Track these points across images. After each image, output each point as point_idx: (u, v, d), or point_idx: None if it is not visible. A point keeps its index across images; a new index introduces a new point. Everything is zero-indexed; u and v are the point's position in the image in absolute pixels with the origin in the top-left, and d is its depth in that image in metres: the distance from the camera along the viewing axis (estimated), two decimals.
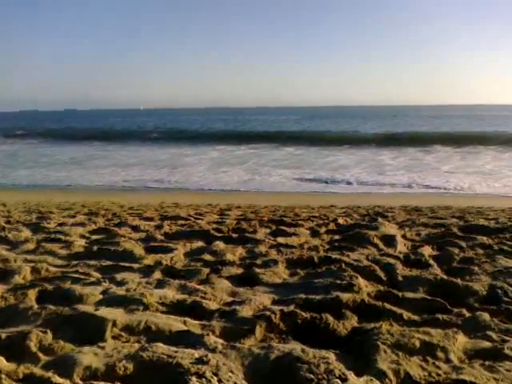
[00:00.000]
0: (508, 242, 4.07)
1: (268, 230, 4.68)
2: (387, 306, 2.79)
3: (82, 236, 4.67)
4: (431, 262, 3.55)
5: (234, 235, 4.48)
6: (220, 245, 4.12)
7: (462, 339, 2.41)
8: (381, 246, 4.00)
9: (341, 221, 5.27)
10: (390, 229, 4.61)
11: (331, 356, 2.24)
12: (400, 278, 3.22)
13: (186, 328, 2.60)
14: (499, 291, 3.00)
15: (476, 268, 3.39)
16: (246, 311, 2.77)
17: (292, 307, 2.79)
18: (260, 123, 53.26)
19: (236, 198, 10.37)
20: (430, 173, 16.34)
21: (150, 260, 3.75)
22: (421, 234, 4.51)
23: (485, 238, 4.16)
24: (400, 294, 2.96)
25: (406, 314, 2.71)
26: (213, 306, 2.88)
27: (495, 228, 4.67)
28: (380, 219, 5.42)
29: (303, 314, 2.68)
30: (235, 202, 9.07)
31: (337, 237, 4.39)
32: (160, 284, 3.23)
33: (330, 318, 2.62)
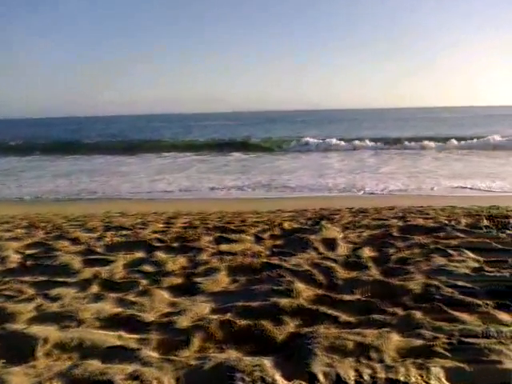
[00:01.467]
0: (443, 241, 4.22)
1: (211, 238, 4.65)
2: (324, 309, 2.83)
3: (17, 251, 4.50)
4: (369, 263, 3.63)
5: (176, 244, 4.43)
6: (160, 255, 4.07)
7: (395, 338, 2.47)
8: (321, 249, 4.06)
9: (286, 225, 5.31)
10: (332, 232, 4.69)
11: (266, 363, 2.25)
12: (338, 281, 3.27)
13: (120, 342, 2.55)
14: (433, 289, 3.09)
15: (411, 267, 3.49)
16: (182, 322, 2.74)
17: (230, 315, 2.79)
18: (201, 129, 52.72)
19: (184, 205, 10.25)
20: (375, 174, 16.75)
21: (87, 273, 3.66)
22: (361, 235, 4.61)
23: (421, 238, 4.30)
24: (337, 296, 3.02)
25: (343, 317, 2.76)
26: (150, 318, 2.84)
27: (432, 227, 4.83)
28: (324, 222, 5.49)
29: (240, 321, 2.68)
30: (183, 210, 8.97)
31: (279, 242, 4.43)
32: (96, 298, 3.16)
33: (267, 324, 2.63)
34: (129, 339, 2.60)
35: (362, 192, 13.43)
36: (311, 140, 28.78)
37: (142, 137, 38.00)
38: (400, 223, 5.22)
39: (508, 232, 4.56)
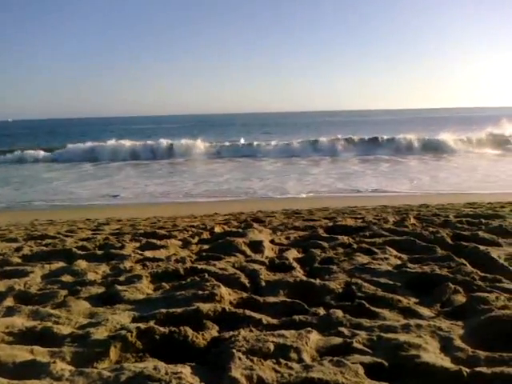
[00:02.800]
0: (366, 240, 4.32)
1: (137, 244, 4.53)
2: (248, 312, 2.80)
3: None
4: (295, 264, 3.65)
5: (100, 252, 4.28)
6: (82, 264, 3.90)
7: (315, 337, 2.48)
8: (248, 252, 4.05)
9: (217, 229, 5.27)
10: (260, 234, 4.69)
11: (186, 370, 2.19)
12: (263, 284, 3.26)
13: (32, 357, 2.40)
14: (354, 287, 3.14)
15: (335, 267, 3.54)
16: (100, 333, 2.63)
17: (151, 323, 2.71)
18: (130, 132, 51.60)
19: (117, 211, 10.01)
20: (314, 176, 17.08)
21: (1, 286, 3.45)
22: (290, 237, 4.64)
23: (345, 238, 4.38)
24: (262, 299, 3.00)
25: (266, 319, 2.74)
26: (66, 330, 2.70)
27: (357, 227, 4.94)
28: (255, 225, 5.50)
29: (161, 329, 2.60)
30: (116, 216, 8.75)
31: (207, 246, 4.38)
32: (9, 311, 2.97)
33: (189, 331, 2.57)
34: (42, 353, 2.46)
35: (301, 194, 13.65)
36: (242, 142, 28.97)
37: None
38: (330, 224, 5.31)
39: (431, 229, 4.74)
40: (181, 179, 17.37)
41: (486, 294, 2.98)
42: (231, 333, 2.55)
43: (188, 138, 29.88)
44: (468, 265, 3.55)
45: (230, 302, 2.98)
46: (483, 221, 5.13)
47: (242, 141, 29.88)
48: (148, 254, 4.11)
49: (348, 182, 15.62)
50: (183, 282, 3.29)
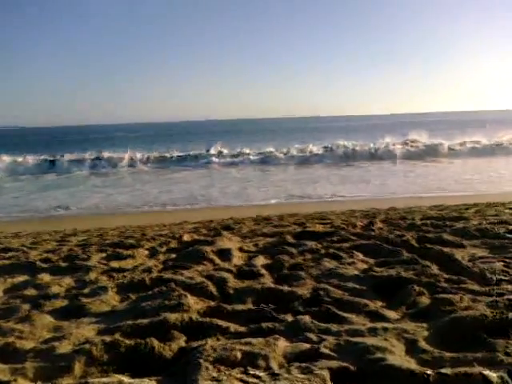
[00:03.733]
0: (334, 245, 4.35)
1: (104, 255, 4.45)
2: (215, 321, 2.79)
3: None
4: (263, 271, 3.65)
5: (64, 264, 4.18)
6: (45, 277, 3.81)
7: (282, 344, 2.48)
8: (217, 260, 4.03)
9: (186, 237, 5.22)
10: (229, 242, 4.67)
11: (152, 383, 2.17)
12: (231, 291, 3.25)
13: None
14: (321, 293, 3.16)
15: (303, 273, 3.56)
16: (65, 347, 2.57)
17: (117, 335, 2.66)
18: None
19: (83, 221, 9.83)
20: (283, 182, 17.15)
21: None
22: (259, 244, 4.64)
23: (313, 243, 4.40)
24: (229, 307, 2.99)
25: (234, 327, 2.73)
26: (29, 345, 2.64)
27: (325, 232, 4.97)
28: (224, 232, 5.47)
29: (127, 341, 2.56)
30: (84, 226, 8.58)
31: (175, 255, 4.33)
32: None
33: (156, 342, 2.54)
34: (2, 371, 2.38)
35: (271, 200, 13.68)
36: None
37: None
38: (298, 229, 5.33)
39: (397, 233, 4.81)
40: (145, 188, 17.21)
41: (450, 296, 3.03)
42: (199, 342, 2.53)
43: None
44: (433, 267, 3.62)
45: (198, 311, 2.96)
46: (448, 223, 5.23)
47: (212, 150, 29.49)
48: (114, 264, 4.05)
49: (314, 187, 15.76)
50: (150, 293, 3.25)
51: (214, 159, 26.39)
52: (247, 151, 27.64)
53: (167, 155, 28.05)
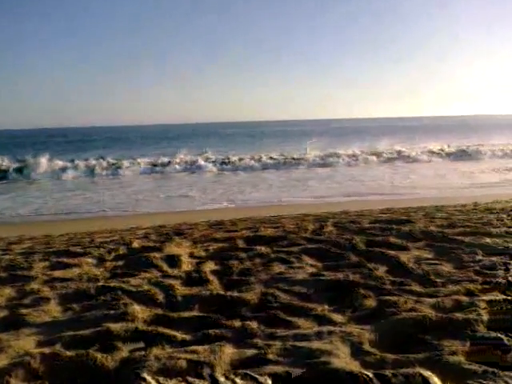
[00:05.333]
0: (284, 249, 4.38)
1: (47, 264, 4.30)
2: (161, 329, 2.74)
3: None
4: (211, 277, 3.62)
5: (4, 274, 4.01)
6: None
7: (229, 351, 2.46)
8: (165, 267, 3.96)
9: (135, 244, 5.12)
10: (178, 248, 4.61)
11: None
12: (178, 299, 3.21)
13: None
14: (270, 297, 3.16)
15: (251, 278, 3.55)
16: (1, 360, 2.46)
17: (57, 347, 2.57)
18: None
19: (31, 227, 9.48)
20: (236, 186, 17.18)
21: None
22: (209, 249, 4.60)
23: (263, 248, 4.41)
24: (176, 315, 2.95)
25: (180, 335, 2.69)
26: None
27: (275, 237, 5.00)
28: (175, 238, 5.41)
29: (68, 353, 2.48)
30: (30, 233, 8.27)
31: (121, 262, 4.23)
32: None
33: (98, 353, 2.47)
34: None
35: (225, 204, 13.64)
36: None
37: None
38: (249, 234, 5.33)
39: (345, 236, 4.88)
40: (99, 192, 16.84)
41: (394, 298, 3.10)
42: (143, 352, 2.48)
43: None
44: (378, 270, 3.69)
45: (143, 320, 2.90)
46: (394, 226, 5.36)
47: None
48: (58, 273, 3.91)
49: (270, 191, 15.85)
50: (94, 302, 3.16)
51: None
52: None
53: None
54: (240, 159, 26.62)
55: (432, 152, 28.27)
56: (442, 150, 28.86)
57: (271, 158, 27.09)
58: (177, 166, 25.27)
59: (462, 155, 27.51)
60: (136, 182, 20.85)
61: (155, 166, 25.27)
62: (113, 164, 26.01)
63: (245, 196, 15.28)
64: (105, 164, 26.21)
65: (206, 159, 26.39)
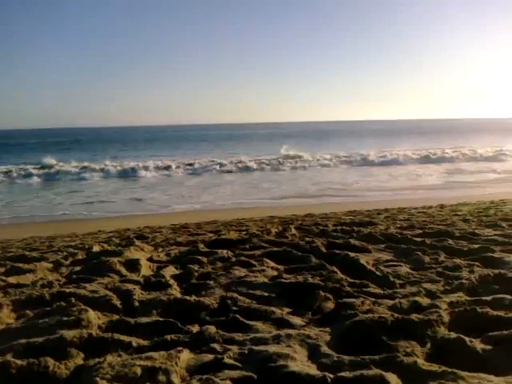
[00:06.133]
0: (246, 252, 4.37)
1: (2, 269, 4.16)
2: (117, 336, 2.68)
3: None
4: (171, 281, 3.58)
5: None
6: None
7: (186, 357, 2.42)
8: (124, 272, 3.90)
9: (96, 248, 5.03)
10: (138, 252, 4.54)
11: None
12: (136, 304, 3.15)
13: None
14: (229, 302, 3.14)
15: (212, 282, 3.53)
16: None
17: (8, 356, 2.48)
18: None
19: None
20: (189, 190, 17.21)
21: None
22: (171, 253, 4.55)
23: (225, 252, 4.39)
24: (133, 320, 2.89)
25: (136, 341, 2.64)
26: None
27: (238, 240, 4.98)
28: (137, 242, 5.33)
29: (18, 361, 2.40)
30: None
31: (80, 268, 4.14)
32: None
33: (50, 361, 2.39)
34: None
35: (189, 207, 13.58)
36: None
37: None
38: (212, 237, 5.31)
39: (307, 239, 4.91)
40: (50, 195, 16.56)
41: (352, 300, 3.12)
42: (97, 359, 2.42)
43: None
44: (339, 272, 3.72)
45: (99, 327, 2.83)
46: (356, 228, 5.42)
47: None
48: (12, 279, 3.78)
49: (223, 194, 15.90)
50: (48, 309, 3.07)
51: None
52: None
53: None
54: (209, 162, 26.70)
55: (398, 155, 28.95)
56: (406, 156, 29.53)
57: (241, 161, 27.24)
58: (147, 170, 25.15)
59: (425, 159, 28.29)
60: (102, 184, 20.58)
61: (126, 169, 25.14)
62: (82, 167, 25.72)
63: (212, 198, 15.27)
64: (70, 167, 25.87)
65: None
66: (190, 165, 26.79)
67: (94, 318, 2.88)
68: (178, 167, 26.09)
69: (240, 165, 26.40)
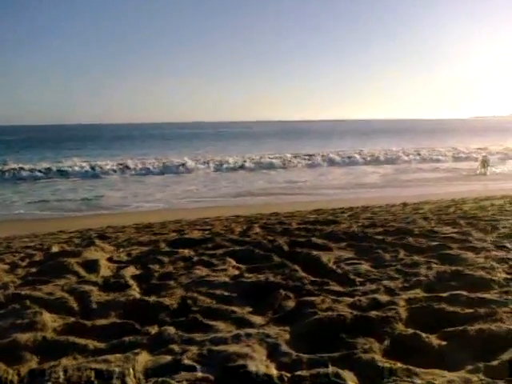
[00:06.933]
0: (208, 252, 4.33)
1: None
2: (73, 339, 2.62)
3: None
4: (131, 282, 3.52)
5: None
6: None
7: (143, 359, 2.39)
8: (82, 273, 3.81)
9: (55, 249, 4.91)
10: (97, 253, 4.46)
11: None
12: (94, 306, 3.09)
13: None
14: (189, 302, 3.11)
15: (172, 282, 3.49)
16: None
17: None
18: None
19: None
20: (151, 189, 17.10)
21: None
22: (132, 253, 4.48)
23: (186, 251, 4.35)
24: (90, 322, 2.83)
25: (93, 344, 2.59)
26: None
27: (201, 239, 4.95)
28: (98, 242, 5.23)
29: None
30: None
31: (36, 269, 4.03)
32: None
33: (2, 366, 2.33)
34: None
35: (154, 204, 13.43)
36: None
37: None
38: (175, 237, 5.25)
39: (270, 238, 4.91)
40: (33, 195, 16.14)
41: (313, 298, 3.13)
42: (51, 363, 2.36)
43: None
44: (300, 270, 3.73)
45: (54, 330, 2.76)
46: (319, 227, 5.46)
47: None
48: None
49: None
50: (2, 311, 2.98)
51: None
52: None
53: None
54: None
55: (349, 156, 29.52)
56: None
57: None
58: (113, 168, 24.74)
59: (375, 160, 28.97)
60: (61, 183, 20.16)
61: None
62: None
63: (179, 197, 15.15)
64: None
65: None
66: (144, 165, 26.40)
67: (50, 320, 2.81)
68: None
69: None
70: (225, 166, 25.86)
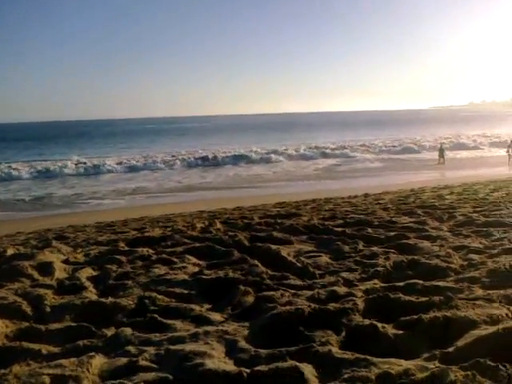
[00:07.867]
0: (167, 250, 4.29)
1: None
2: (26, 344, 2.54)
3: None
4: (87, 284, 3.44)
5: None
6: None
7: (98, 362, 2.34)
8: (36, 276, 3.70)
9: (10, 251, 4.74)
10: (53, 255, 4.32)
11: None
12: (48, 309, 3.01)
13: None
14: (147, 301, 3.06)
15: (130, 282, 3.43)
16: None
17: None
18: None
19: None
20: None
21: None
22: (90, 254, 4.39)
23: (145, 250, 4.29)
24: (44, 327, 2.76)
25: (46, 349, 2.52)
26: None
27: (160, 237, 4.89)
28: (54, 243, 5.10)
29: None
30: None
31: None
32: None
33: None
34: None
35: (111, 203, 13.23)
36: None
37: None
38: (135, 235, 5.18)
39: (231, 233, 4.89)
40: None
41: (272, 293, 3.13)
42: (2, 370, 2.29)
43: None
44: (260, 265, 3.73)
45: (6, 336, 2.68)
46: (279, 221, 5.48)
47: None
48: None
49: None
50: None
51: None
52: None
53: None
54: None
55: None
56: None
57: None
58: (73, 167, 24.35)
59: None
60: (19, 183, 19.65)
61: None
62: None
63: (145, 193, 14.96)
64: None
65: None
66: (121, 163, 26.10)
67: (1, 326, 2.73)
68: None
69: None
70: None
